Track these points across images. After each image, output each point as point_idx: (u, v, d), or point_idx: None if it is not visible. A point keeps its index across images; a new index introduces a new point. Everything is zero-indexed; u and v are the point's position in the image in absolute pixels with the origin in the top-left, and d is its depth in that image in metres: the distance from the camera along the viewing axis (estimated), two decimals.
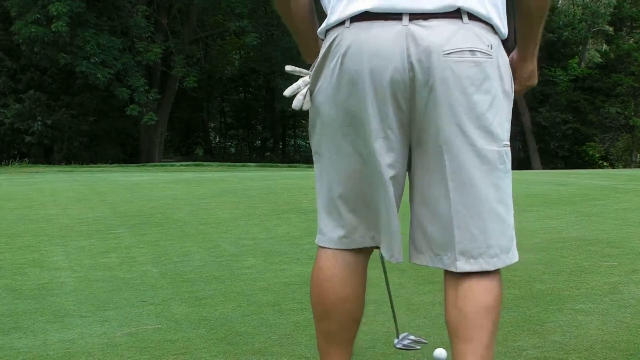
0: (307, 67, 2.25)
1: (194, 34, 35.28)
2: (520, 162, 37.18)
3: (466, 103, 1.94)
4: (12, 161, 27.44)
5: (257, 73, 42.36)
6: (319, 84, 2.09)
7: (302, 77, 2.19)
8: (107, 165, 27.84)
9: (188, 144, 45.50)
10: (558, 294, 3.81)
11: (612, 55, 39.04)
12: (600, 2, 37.18)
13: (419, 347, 2.74)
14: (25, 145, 30.60)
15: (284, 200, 8.79)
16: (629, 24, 41.27)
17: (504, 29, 2.04)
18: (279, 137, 45.52)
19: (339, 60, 2.01)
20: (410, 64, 1.93)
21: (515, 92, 2.17)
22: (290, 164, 30.93)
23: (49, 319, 3.64)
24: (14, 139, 30.90)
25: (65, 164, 28.62)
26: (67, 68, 29.00)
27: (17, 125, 29.88)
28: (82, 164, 28.59)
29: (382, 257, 2.34)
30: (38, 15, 26.92)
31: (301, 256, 5.10)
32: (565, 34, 37.27)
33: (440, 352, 2.78)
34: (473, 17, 1.96)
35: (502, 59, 2.03)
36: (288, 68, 2.21)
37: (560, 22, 37.52)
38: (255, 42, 31.89)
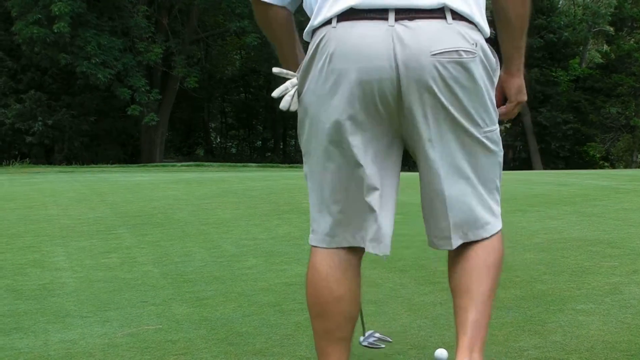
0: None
1: (194, 34, 35.27)
2: (521, 162, 37.22)
3: (453, 99, 2.03)
4: (13, 161, 27.41)
5: (258, 73, 42.37)
6: (307, 84, 2.12)
7: (289, 79, 2.20)
8: (108, 165, 27.83)
9: (189, 144, 45.49)
10: (559, 295, 3.81)
11: (612, 55, 39.06)
12: (601, 2, 37.17)
13: (383, 346, 2.82)
14: (26, 146, 30.61)
15: (285, 200, 8.79)
16: (629, 24, 41.27)
17: (486, 28, 2.10)
18: (280, 138, 45.53)
19: (327, 59, 2.03)
20: (397, 64, 1.97)
21: (506, 114, 2.31)
22: (291, 164, 30.95)
23: (50, 319, 3.64)
24: (14, 139, 30.91)
25: (66, 164, 28.62)
26: (67, 68, 29.00)
27: (18, 125, 29.88)
28: (83, 164, 28.58)
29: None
30: (39, 16, 26.91)
31: (302, 256, 5.10)
32: (566, 34, 37.27)
33: (441, 352, 2.78)
34: (457, 16, 2.01)
35: (485, 53, 2.09)
36: (275, 70, 2.23)
37: (561, 23, 37.52)
38: (256, 43, 31.87)
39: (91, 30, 28.58)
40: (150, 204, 8.72)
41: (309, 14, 2.17)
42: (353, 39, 1.99)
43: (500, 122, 2.29)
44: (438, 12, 1.99)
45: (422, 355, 2.92)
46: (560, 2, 39.96)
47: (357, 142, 2.06)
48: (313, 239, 2.23)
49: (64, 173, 20.28)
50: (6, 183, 14.25)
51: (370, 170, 2.08)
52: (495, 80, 2.18)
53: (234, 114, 47.56)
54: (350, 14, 2.01)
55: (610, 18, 37.58)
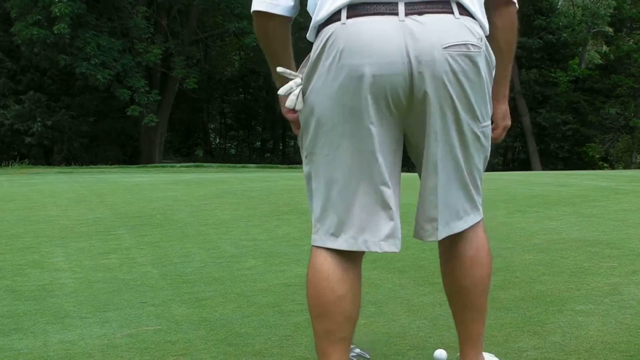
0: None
1: (193, 35, 35.28)
2: (520, 162, 37.25)
3: (460, 93, 2.08)
4: (12, 162, 27.42)
5: (257, 74, 42.37)
6: (312, 83, 2.12)
7: (292, 78, 2.20)
8: (107, 166, 27.83)
9: (188, 145, 45.49)
10: (558, 295, 3.81)
11: (612, 56, 39.08)
12: (600, 3, 37.19)
13: None
14: (25, 147, 30.62)
15: (284, 201, 8.79)
16: (629, 25, 41.30)
17: (486, 24, 2.17)
18: (279, 138, 45.54)
19: (337, 57, 2.04)
20: (409, 58, 2.00)
21: (493, 137, 2.38)
22: (290, 165, 30.94)
23: (49, 320, 3.64)
24: (14, 140, 30.92)
25: (65, 165, 28.63)
26: (67, 69, 29.01)
27: (17, 126, 29.89)
28: (82, 165, 28.59)
29: None
30: (39, 17, 26.91)
31: (301, 257, 5.10)
32: (565, 35, 37.30)
33: (440, 353, 2.79)
34: (463, 10, 2.07)
35: (487, 49, 2.16)
36: (279, 69, 2.23)
37: (560, 24, 37.53)
38: (255, 43, 31.82)
39: (90, 31, 28.59)
40: (149, 205, 8.72)
41: (312, 14, 2.17)
42: (364, 35, 2.01)
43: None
44: (446, 6, 2.04)
45: (421, 356, 2.92)
46: (560, 2, 39.97)
47: (370, 140, 2.07)
48: (317, 240, 2.22)
49: (63, 174, 20.28)
50: (5, 184, 14.25)
51: (384, 167, 2.10)
52: (492, 77, 2.23)
53: (233, 115, 47.56)
54: (358, 9, 2.02)
55: (609, 19, 37.60)
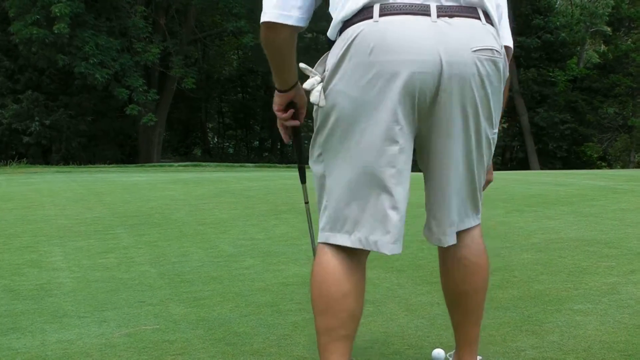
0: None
1: (192, 34, 35.26)
2: (518, 162, 37.26)
3: (483, 96, 2.12)
4: (10, 162, 27.42)
5: (256, 73, 42.34)
6: (335, 80, 2.11)
7: (313, 76, 2.19)
8: (106, 165, 27.83)
9: (186, 144, 45.48)
10: (556, 295, 3.81)
11: (610, 55, 39.11)
12: (599, 2, 37.21)
13: None
14: (23, 146, 30.60)
15: (282, 200, 8.79)
16: (627, 24, 41.33)
17: (501, 40, 2.21)
18: (277, 138, 45.39)
19: (367, 54, 2.04)
20: (440, 58, 2.02)
21: None
22: (288, 164, 30.94)
23: (47, 319, 3.63)
24: (12, 139, 30.90)
25: (64, 165, 28.62)
26: (65, 68, 28.97)
27: (15, 125, 29.88)
28: (81, 164, 28.59)
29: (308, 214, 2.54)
30: (37, 17, 26.88)
31: (299, 257, 5.10)
32: (563, 34, 37.31)
33: (438, 352, 2.79)
34: (487, 18, 2.12)
35: (505, 57, 2.20)
36: (302, 65, 2.23)
37: (558, 23, 37.55)
38: (253, 43, 31.88)
39: (89, 30, 28.56)
40: (147, 204, 8.72)
41: (331, 13, 2.18)
42: (398, 33, 2.02)
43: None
44: (474, 12, 2.08)
45: (419, 355, 2.92)
46: (558, 2, 39.99)
47: (390, 140, 2.07)
48: (329, 237, 2.21)
49: (62, 173, 20.27)
50: (4, 183, 14.24)
51: (401, 168, 2.10)
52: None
53: (232, 114, 47.54)
54: (390, 8, 2.03)
55: (607, 18, 37.64)
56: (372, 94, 2.04)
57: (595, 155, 36.87)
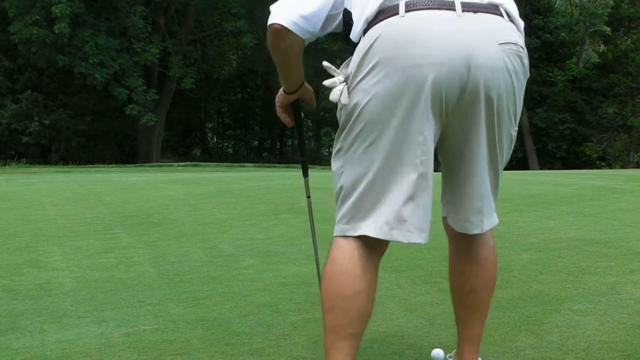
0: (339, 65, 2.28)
1: (191, 34, 35.26)
2: (517, 162, 37.25)
3: (510, 91, 2.14)
4: (9, 161, 27.42)
5: (255, 73, 42.36)
6: (359, 78, 2.12)
7: (336, 75, 2.20)
8: (105, 165, 27.83)
9: (186, 144, 45.48)
10: (556, 295, 3.82)
11: (609, 55, 39.12)
12: (598, 2, 37.22)
13: None
14: (23, 146, 30.60)
15: (282, 200, 8.79)
16: (626, 24, 41.35)
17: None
18: (277, 138, 45.55)
19: (393, 49, 2.05)
20: (467, 52, 2.03)
21: None
22: (287, 164, 30.96)
23: (47, 319, 3.63)
24: (11, 139, 30.91)
25: (63, 165, 28.62)
26: (64, 68, 28.97)
27: (15, 125, 29.89)
28: (80, 164, 28.59)
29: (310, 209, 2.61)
30: (37, 17, 26.88)
31: (299, 256, 5.10)
32: (563, 34, 37.32)
33: (437, 352, 2.79)
34: (509, 17, 2.15)
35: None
36: (325, 64, 2.24)
37: (558, 23, 37.56)
38: (252, 44, 31.89)
39: (89, 30, 28.55)
40: (147, 204, 8.72)
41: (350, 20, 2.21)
42: (424, 28, 2.04)
43: None
44: (497, 10, 2.11)
45: (419, 356, 2.92)
46: (557, 2, 39.99)
47: (413, 135, 2.07)
48: (348, 229, 2.20)
49: (61, 173, 20.27)
50: (3, 183, 14.24)
51: (425, 161, 2.11)
52: None
53: (231, 114, 47.57)
54: (416, 4, 2.06)
55: (607, 18, 37.64)
56: (397, 91, 2.05)
57: (595, 155, 36.88)
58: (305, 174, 2.81)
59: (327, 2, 2.22)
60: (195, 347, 3.10)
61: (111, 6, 30.52)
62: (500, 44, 2.07)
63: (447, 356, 2.73)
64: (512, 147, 2.33)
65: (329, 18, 2.24)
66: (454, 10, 2.05)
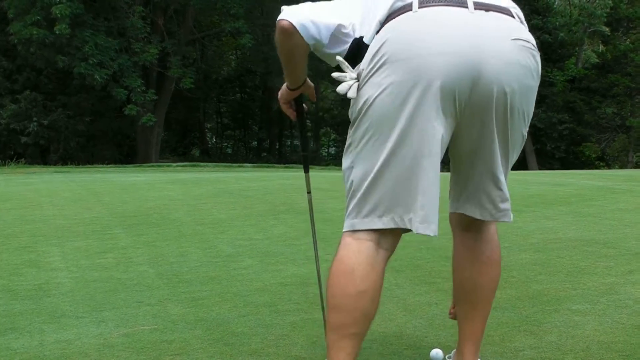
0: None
1: (190, 34, 35.25)
2: (516, 162, 37.06)
3: (524, 88, 2.15)
4: (8, 162, 27.38)
5: (254, 73, 42.35)
6: (372, 73, 2.13)
7: (347, 72, 2.21)
8: (104, 165, 27.80)
9: (184, 144, 45.47)
10: (555, 295, 3.82)
11: (608, 55, 39.12)
12: (597, 3, 37.22)
13: None
14: (22, 146, 30.58)
15: (281, 200, 8.79)
16: (625, 24, 41.34)
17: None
18: (276, 138, 45.52)
19: (406, 43, 2.07)
20: (480, 45, 2.05)
21: None
22: (286, 165, 30.94)
23: (46, 319, 3.63)
24: (10, 139, 30.89)
25: (62, 165, 28.59)
26: (63, 68, 28.95)
27: (13, 125, 29.85)
28: (79, 164, 28.57)
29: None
30: (38, 17, 26.86)
31: (298, 257, 5.10)
32: (562, 34, 37.31)
33: (436, 352, 2.79)
34: (521, 21, 2.19)
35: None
36: (338, 58, 2.25)
37: (557, 23, 37.56)
38: (250, 44, 31.88)
39: (88, 30, 28.53)
40: (146, 204, 8.71)
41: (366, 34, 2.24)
42: (436, 20, 2.07)
43: None
44: (507, 12, 2.15)
45: (417, 356, 2.92)
46: (556, 2, 39.99)
47: (424, 118, 2.08)
48: (358, 223, 2.20)
49: (60, 173, 20.26)
50: (2, 183, 14.22)
51: (437, 151, 2.12)
52: None
53: (230, 114, 47.56)
54: (428, 1, 2.10)
55: (605, 18, 37.64)
56: (407, 83, 2.06)
57: (594, 156, 36.88)
58: (306, 170, 2.82)
59: (339, 20, 2.26)
60: (194, 347, 3.10)
61: (110, 6, 30.49)
62: (513, 39, 2.09)
63: (446, 357, 2.73)
64: (522, 147, 2.35)
65: (335, 37, 2.27)
66: (467, 7, 2.08)
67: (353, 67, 2.21)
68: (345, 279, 2.17)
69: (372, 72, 2.12)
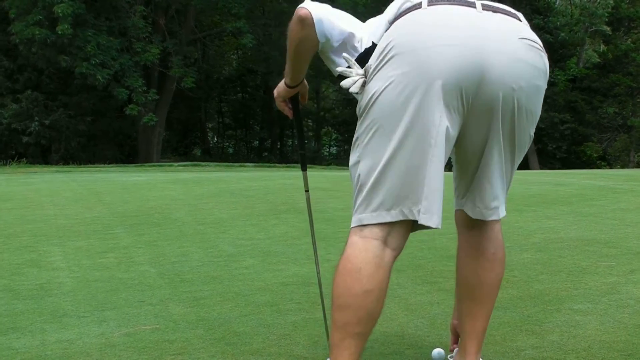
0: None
1: (191, 34, 35.25)
2: None
3: (532, 87, 2.15)
4: (9, 161, 27.40)
5: (255, 73, 42.36)
6: (379, 68, 2.14)
7: (353, 68, 2.22)
8: (105, 165, 27.81)
9: (186, 144, 45.46)
10: (556, 294, 3.81)
11: (610, 55, 39.11)
12: (598, 2, 37.20)
13: None
14: (23, 146, 30.58)
15: (282, 200, 8.79)
16: (626, 24, 41.33)
17: None
18: (277, 137, 45.50)
19: (412, 42, 2.09)
20: (487, 41, 2.06)
21: None
22: (287, 164, 30.93)
23: (47, 319, 3.63)
24: (11, 139, 30.88)
25: (63, 164, 28.60)
26: (65, 68, 28.96)
27: (15, 125, 29.87)
28: (80, 164, 28.57)
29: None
30: (40, 17, 26.86)
31: (299, 256, 5.10)
32: (563, 34, 37.29)
33: (438, 352, 2.79)
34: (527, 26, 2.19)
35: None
36: (345, 55, 2.27)
37: (558, 23, 37.54)
38: (252, 44, 31.89)
39: (90, 29, 28.54)
40: (147, 204, 8.72)
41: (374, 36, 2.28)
42: (444, 16, 2.10)
43: None
44: (514, 15, 2.18)
45: (419, 355, 2.92)
46: (557, 2, 39.98)
47: (430, 112, 2.08)
48: (366, 218, 2.19)
49: (61, 173, 20.27)
50: (3, 183, 14.23)
51: (443, 143, 2.11)
52: None
53: (231, 114, 47.56)
54: (437, 0, 2.13)
55: (607, 18, 37.62)
56: (414, 77, 2.07)
57: (595, 155, 36.86)
58: (304, 168, 2.82)
59: (354, 30, 2.35)
60: (196, 347, 3.10)
61: (111, 6, 30.50)
62: (520, 38, 2.11)
63: (448, 357, 2.73)
64: (529, 147, 2.36)
65: (344, 44, 2.35)
66: (475, 8, 2.11)
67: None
68: (352, 278, 2.16)
69: (380, 66, 2.13)
